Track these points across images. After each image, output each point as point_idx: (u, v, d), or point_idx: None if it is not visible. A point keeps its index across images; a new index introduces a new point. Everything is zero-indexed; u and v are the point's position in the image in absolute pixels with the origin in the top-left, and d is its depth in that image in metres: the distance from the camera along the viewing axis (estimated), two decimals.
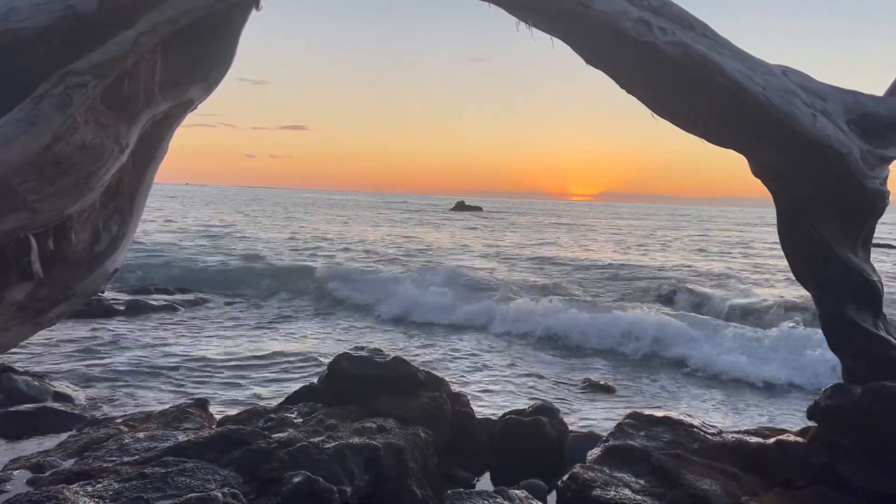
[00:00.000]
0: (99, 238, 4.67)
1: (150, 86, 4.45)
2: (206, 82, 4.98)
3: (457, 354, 11.87)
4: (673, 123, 5.88)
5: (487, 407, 8.72)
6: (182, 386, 9.18)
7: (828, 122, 5.53)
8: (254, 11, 5.14)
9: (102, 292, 5.17)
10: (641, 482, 5.50)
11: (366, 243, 33.08)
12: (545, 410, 8.05)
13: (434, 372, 7.98)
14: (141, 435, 6.40)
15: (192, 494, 4.87)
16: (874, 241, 6.36)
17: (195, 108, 5.14)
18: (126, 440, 6.36)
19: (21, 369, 8.36)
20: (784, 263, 6.12)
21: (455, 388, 7.99)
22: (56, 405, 7.92)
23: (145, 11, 4.19)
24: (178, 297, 16.51)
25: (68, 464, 5.95)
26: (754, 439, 6.26)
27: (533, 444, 7.26)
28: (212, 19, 4.68)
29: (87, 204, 4.26)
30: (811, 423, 6.29)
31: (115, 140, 4.20)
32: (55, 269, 4.32)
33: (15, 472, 5.75)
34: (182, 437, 6.18)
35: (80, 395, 8.35)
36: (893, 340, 6.04)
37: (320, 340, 12.58)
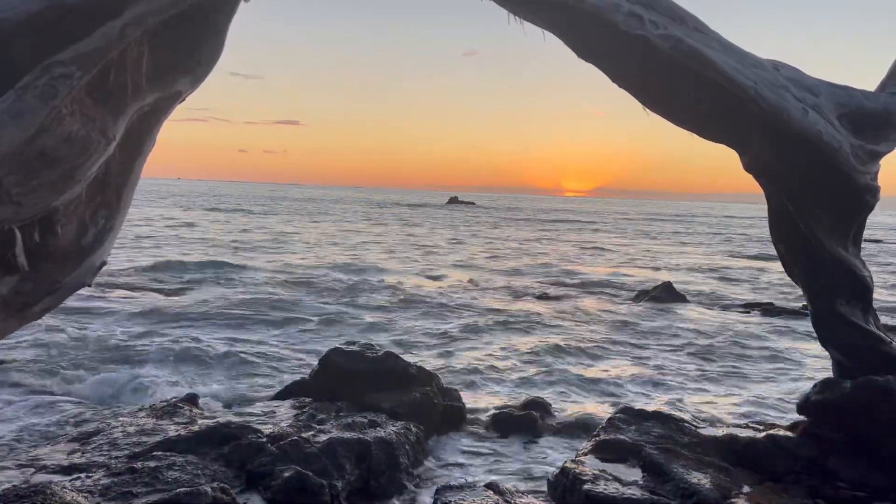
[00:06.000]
0: (86, 231, 4.61)
1: (137, 77, 4.39)
2: (193, 74, 4.93)
3: None
4: (664, 117, 5.88)
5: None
6: None
7: (819, 117, 5.52)
8: (242, 4, 5.10)
9: (89, 285, 5.12)
10: (632, 476, 5.51)
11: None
12: (537, 405, 8.06)
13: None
14: (131, 429, 6.37)
15: (182, 489, 4.85)
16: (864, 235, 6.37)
17: (183, 99, 5.08)
18: (116, 434, 6.33)
19: None
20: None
21: None
22: None
23: (132, 1, 4.14)
24: None
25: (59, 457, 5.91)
26: (745, 433, 6.28)
27: None
28: (199, 11, 4.63)
29: (73, 197, 4.21)
30: (801, 417, 6.31)
31: (101, 132, 4.14)
32: (41, 262, 4.26)
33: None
34: (172, 432, 6.15)
35: None
36: (883, 335, 6.05)
37: None
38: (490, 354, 11.59)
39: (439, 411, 7.38)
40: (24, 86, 3.73)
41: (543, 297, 18.27)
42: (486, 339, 12.73)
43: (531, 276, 22.90)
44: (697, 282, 22.88)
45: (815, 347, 10.38)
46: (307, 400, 7.27)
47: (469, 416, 7.76)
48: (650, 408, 7.12)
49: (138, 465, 5.26)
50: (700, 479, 5.29)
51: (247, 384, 9.24)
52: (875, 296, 6.26)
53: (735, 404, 9.11)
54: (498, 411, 7.83)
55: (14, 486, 4.94)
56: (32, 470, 5.54)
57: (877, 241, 43.10)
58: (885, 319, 8.28)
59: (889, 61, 6.30)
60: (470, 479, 6.04)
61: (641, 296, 18.02)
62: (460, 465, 6.63)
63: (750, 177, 6.11)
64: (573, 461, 5.77)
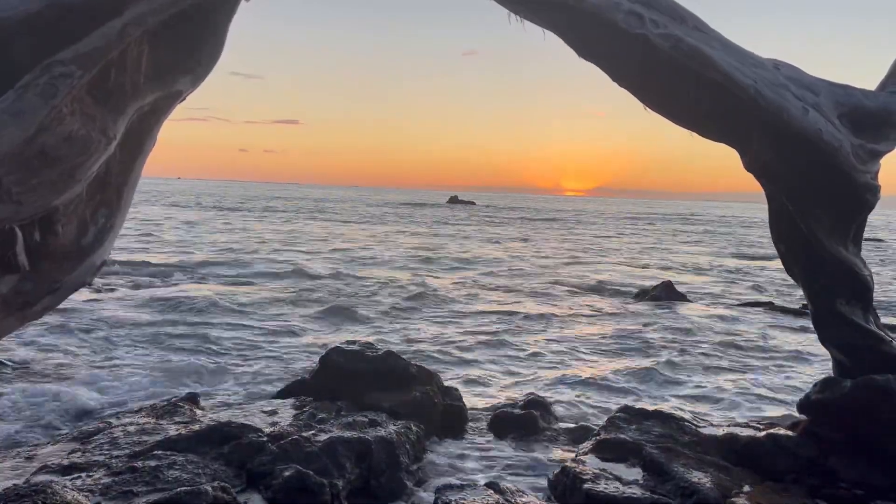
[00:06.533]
0: (86, 230, 4.62)
1: (137, 77, 4.40)
2: (194, 74, 4.93)
3: None
4: (665, 117, 5.87)
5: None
6: None
7: (819, 116, 5.52)
8: (242, 3, 5.10)
9: (90, 285, 5.12)
10: (632, 475, 5.51)
11: None
12: (537, 404, 8.05)
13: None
14: (132, 429, 6.37)
15: (182, 488, 4.85)
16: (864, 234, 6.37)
17: (183, 99, 5.08)
18: (116, 434, 6.33)
19: None
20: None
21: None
22: None
23: (132, 1, 4.14)
24: None
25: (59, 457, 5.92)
26: (745, 432, 6.28)
27: None
28: (199, 11, 4.63)
29: (73, 196, 4.22)
30: (802, 416, 6.31)
31: (101, 131, 4.15)
32: (41, 261, 4.27)
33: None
34: (173, 431, 6.16)
35: None
36: (883, 335, 6.05)
37: None
38: (491, 353, 11.60)
39: (439, 410, 7.38)
40: (25, 85, 3.74)
41: (544, 295, 18.28)
42: (487, 338, 12.72)
43: (532, 275, 22.90)
44: (697, 281, 22.89)
45: (815, 347, 10.38)
46: (307, 399, 7.28)
47: (469, 415, 7.77)
48: (650, 407, 7.13)
49: (139, 464, 5.26)
50: (700, 478, 5.30)
51: (247, 383, 9.24)
52: (875, 295, 6.26)
53: (735, 403, 9.11)
54: (498, 410, 7.83)
55: (14, 485, 4.94)
56: (32, 469, 5.54)
57: (878, 241, 43.12)
58: (885, 319, 8.27)
59: (889, 61, 6.30)
60: (470, 478, 6.05)
61: (642, 295, 18.01)
62: (461, 464, 6.63)
63: (750, 176, 6.11)
64: (574, 460, 5.78)
